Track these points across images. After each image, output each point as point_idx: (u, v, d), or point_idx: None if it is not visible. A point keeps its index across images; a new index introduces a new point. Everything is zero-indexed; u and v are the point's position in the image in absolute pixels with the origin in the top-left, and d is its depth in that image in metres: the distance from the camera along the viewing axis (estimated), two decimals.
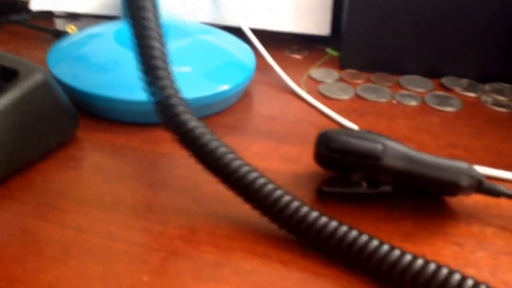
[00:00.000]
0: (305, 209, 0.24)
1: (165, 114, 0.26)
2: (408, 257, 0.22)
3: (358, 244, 0.23)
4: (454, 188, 0.26)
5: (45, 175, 0.29)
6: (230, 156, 0.25)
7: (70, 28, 0.44)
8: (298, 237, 0.24)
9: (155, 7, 0.27)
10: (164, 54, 0.26)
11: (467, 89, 0.41)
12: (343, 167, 0.27)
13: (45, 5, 0.45)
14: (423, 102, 0.39)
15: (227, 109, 0.37)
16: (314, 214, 0.23)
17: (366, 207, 0.28)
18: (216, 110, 0.36)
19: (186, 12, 0.45)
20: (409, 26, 0.41)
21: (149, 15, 0.26)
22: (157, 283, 0.23)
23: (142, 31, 0.26)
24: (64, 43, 0.38)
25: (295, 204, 0.24)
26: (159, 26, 0.27)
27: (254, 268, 0.24)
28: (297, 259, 0.24)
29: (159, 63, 0.26)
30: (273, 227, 0.25)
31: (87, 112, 0.35)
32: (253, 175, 0.24)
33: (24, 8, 0.49)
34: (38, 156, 0.30)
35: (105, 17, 0.45)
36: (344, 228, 0.23)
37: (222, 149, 0.25)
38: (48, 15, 0.47)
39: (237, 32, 0.43)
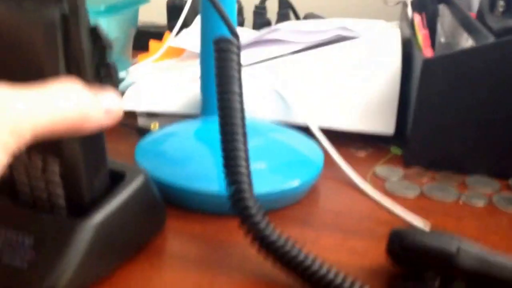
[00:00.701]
0: None
1: (237, 207, 0.28)
2: None
3: None
4: None
5: (132, 262, 0.31)
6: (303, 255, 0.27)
7: (154, 125, 0.48)
8: None
9: (242, 107, 0.30)
10: (246, 151, 0.29)
11: None
12: (417, 265, 0.28)
13: (132, 106, 0.50)
14: (491, 203, 0.39)
15: (296, 203, 0.39)
16: None
17: None
18: (286, 204, 0.38)
19: (256, 109, 0.49)
20: (474, 126, 0.42)
21: (237, 113, 0.29)
22: None
23: (229, 128, 0.29)
24: (148, 139, 0.42)
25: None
26: (244, 125, 0.30)
27: None
28: None
29: (240, 160, 0.29)
30: None
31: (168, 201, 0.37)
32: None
33: None
34: (137, 249, 0.32)
35: (183, 116, 0.50)
36: None
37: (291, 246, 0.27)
38: (131, 113, 0.52)
39: (304, 129, 0.46)
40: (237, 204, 0.29)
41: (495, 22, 0.45)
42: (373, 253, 0.33)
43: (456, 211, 0.38)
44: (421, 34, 0.48)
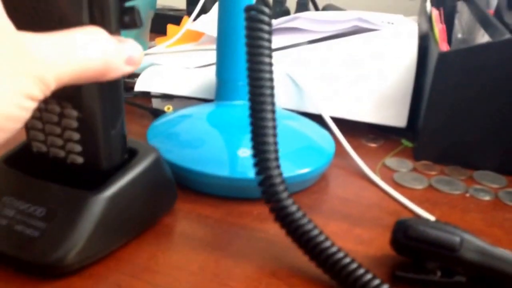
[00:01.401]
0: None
1: (267, 192, 0.29)
2: None
3: None
4: None
5: (140, 239, 0.32)
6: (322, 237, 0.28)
7: (168, 107, 0.49)
8: None
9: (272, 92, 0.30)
10: (275, 136, 0.30)
11: None
12: (419, 255, 0.28)
13: (147, 87, 0.51)
14: (497, 197, 0.40)
15: (305, 190, 0.39)
16: None
17: None
18: (295, 190, 0.38)
19: None
20: (484, 123, 0.42)
21: (268, 99, 0.30)
22: None
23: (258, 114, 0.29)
24: (161, 121, 0.43)
25: (376, 282, 0.25)
26: (274, 112, 0.30)
27: None
28: None
29: (270, 145, 0.29)
30: None
31: (178, 184, 0.38)
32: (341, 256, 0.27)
33: (125, 87, 0.55)
34: (147, 226, 0.33)
35: (197, 99, 0.50)
36: None
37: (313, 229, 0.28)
38: (145, 94, 0.52)
39: (317, 117, 0.46)
40: (267, 190, 0.29)
41: None
42: (379, 241, 0.33)
43: (462, 204, 0.39)
44: (438, 28, 0.48)
